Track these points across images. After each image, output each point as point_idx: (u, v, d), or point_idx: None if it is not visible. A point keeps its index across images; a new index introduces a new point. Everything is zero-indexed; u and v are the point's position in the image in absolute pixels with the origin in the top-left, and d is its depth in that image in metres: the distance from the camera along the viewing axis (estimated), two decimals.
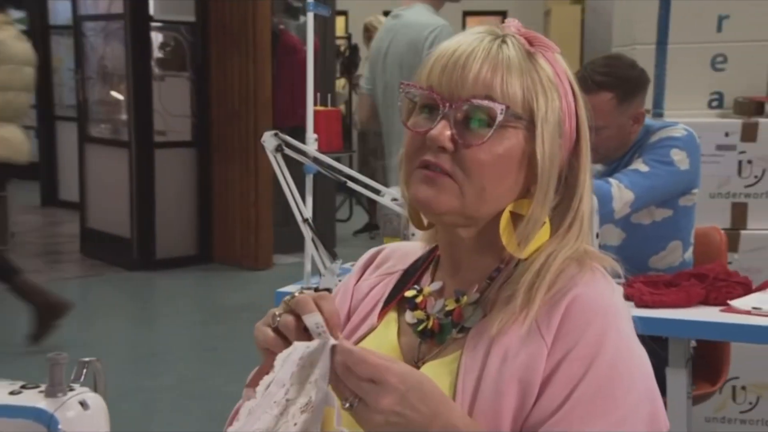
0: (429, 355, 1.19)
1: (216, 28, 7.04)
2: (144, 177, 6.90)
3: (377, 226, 8.27)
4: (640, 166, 2.46)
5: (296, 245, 7.67)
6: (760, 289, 2.23)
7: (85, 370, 0.92)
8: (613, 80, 2.53)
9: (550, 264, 1.12)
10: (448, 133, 1.10)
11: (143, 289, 6.57)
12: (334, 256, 2.34)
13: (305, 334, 1.01)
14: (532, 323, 1.08)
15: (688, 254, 2.59)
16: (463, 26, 11.55)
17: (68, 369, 0.93)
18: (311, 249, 2.33)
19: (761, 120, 3.40)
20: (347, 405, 0.98)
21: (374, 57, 3.77)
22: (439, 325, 1.20)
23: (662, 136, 2.51)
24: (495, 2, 11.23)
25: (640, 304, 2.17)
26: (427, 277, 1.27)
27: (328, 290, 2.33)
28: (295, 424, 0.97)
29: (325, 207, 7.80)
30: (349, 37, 8.36)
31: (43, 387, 0.92)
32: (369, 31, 7.85)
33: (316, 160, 2.29)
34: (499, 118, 1.09)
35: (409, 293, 1.26)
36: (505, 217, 1.13)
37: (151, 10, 6.87)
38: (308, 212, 2.34)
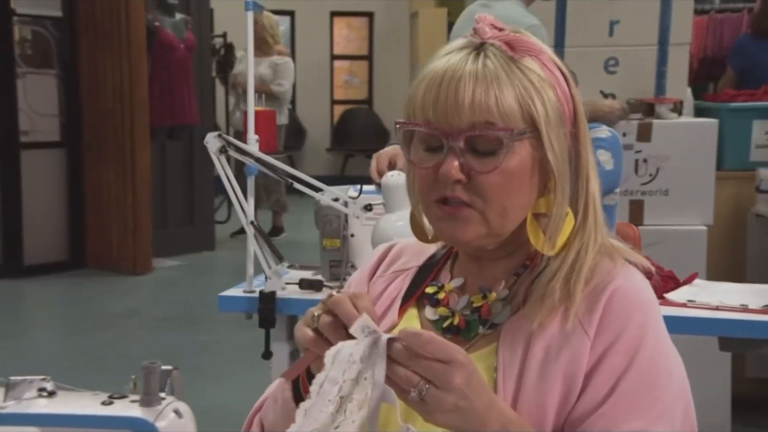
0: None
1: (85, 24, 6.82)
2: (9, 180, 6.60)
3: None
4: None
5: (175, 248, 7.59)
6: (687, 282, 2.36)
7: (169, 379, 0.91)
8: None
9: (583, 258, 1.13)
10: (457, 164, 1.10)
11: (12, 298, 6.29)
12: (280, 258, 2.33)
13: (345, 332, 1.01)
14: (574, 317, 1.10)
15: None
16: (331, 26, 11.60)
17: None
18: (255, 250, 2.31)
19: (655, 121, 3.58)
20: (414, 394, 0.96)
21: None
22: (465, 321, 1.20)
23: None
24: (362, 3, 11.33)
25: None
26: (445, 273, 1.27)
27: (326, 285, 2.32)
28: (353, 422, 0.97)
29: (204, 208, 7.68)
30: (224, 36, 8.24)
31: (133, 397, 0.90)
32: (256, 25, 7.77)
33: (259, 160, 2.27)
34: (506, 142, 1.09)
35: (429, 289, 1.26)
36: (529, 221, 1.15)
37: (13, 3, 6.59)
38: (251, 214, 2.32)
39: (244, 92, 7.73)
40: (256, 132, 2.34)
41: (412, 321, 1.26)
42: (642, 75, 3.69)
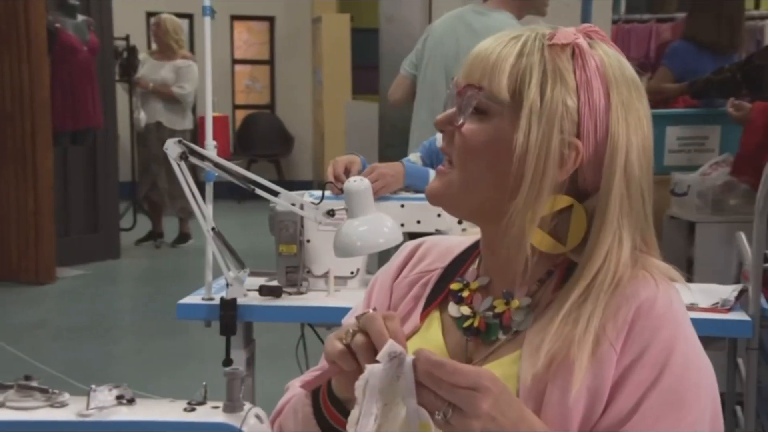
0: (479, 355, 1.20)
1: None
2: None
3: (161, 234, 8.05)
4: None
5: (78, 256, 7.37)
6: None
7: (243, 385, 0.92)
8: None
9: (609, 268, 1.11)
10: (447, 114, 1.17)
11: None
12: (242, 265, 2.32)
13: (375, 354, 1.01)
14: (599, 329, 1.08)
15: None
16: (231, 30, 11.49)
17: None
18: (216, 257, 2.29)
19: None
20: (440, 416, 0.97)
21: (441, 49, 3.61)
22: (486, 324, 1.20)
23: None
24: (263, 6, 11.24)
25: None
26: (473, 271, 1.26)
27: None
28: None
29: (108, 215, 7.50)
30: (127, 38, 8.08)
31: (213, 403, 0.91)
32: (160, 30, 7.65)
33: (219, 166, 2.26)
34: (471, 100, 1.13)
35: (454, 286, 1.26)
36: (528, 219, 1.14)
37: None
38: (211, 221, 2.31)
39: (148, 94, 7.66)
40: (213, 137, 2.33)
41: (433, 323, 1.26)
42: None
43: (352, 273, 2.53)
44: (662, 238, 3.93)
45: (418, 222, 2.46)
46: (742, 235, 2.55)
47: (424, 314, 1.29)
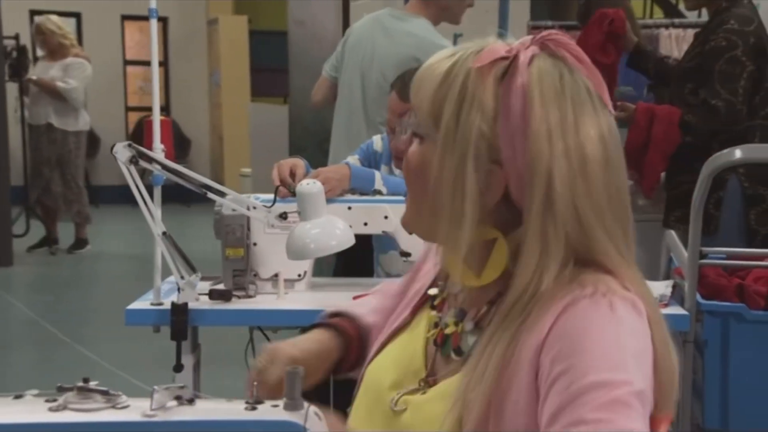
0: (442, 369, 1.20)
1: None
2: None
3: (56, 240, 7.82)
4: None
5: None
6: None
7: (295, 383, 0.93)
8: None
9: (529, 290, 1.09)
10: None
11: None
12: (193, 270, 2.30)
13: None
14: (521, 344, 1.07)
15: None
16: (122, 30, 11.26)
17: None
18: (168, 261, 2.27)
19: None
20: None
21: (359, 51, 3.58)
22: (443, 339, 1.21)
23: None
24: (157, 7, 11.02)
25: None
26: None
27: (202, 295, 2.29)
28: None
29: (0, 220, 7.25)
30: (17, 37, 7.82)
31: (273, 402, 0.92)
32: (43, 34, 7.43)
33: (169, 169, 2.24)
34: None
35: (432, 291, 1.28)
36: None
37: None
38: (161, 225, 2.28)
39: (38, 95, 7.41)
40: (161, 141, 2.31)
41: (421, 323, 1.28)
42: None
43: (299, 276, 2.55)
44: None
45: (365, 224, 2.49)
46: (673, 234, 2.67)
47: (415, 308, 1.31)
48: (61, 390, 0.90)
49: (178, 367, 2.34)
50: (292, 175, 2.52)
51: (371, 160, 2.82)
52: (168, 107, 11.39)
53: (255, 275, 2.51)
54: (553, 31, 1.17)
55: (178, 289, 2.29)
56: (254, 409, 0.91)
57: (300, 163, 2.57)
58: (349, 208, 2.50)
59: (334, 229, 2.28)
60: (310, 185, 2.27)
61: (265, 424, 0.89)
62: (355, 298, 2.44)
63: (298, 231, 2.28)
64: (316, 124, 5.26)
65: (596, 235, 1.09)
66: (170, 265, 2.26)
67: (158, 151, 2.31)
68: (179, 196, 10.49)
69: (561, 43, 1.13)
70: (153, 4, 2.37)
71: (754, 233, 3.21)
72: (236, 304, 2.41)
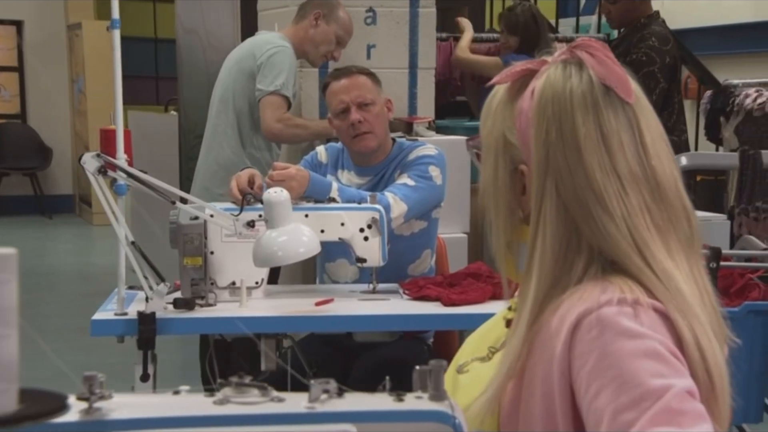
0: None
1: None
2: None
3: None
4: (406, 180, 2.77)
5: None
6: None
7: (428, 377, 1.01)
8: (361, 69, 2.97)
9: (542, 288, 1.20)
10: None
11: None
12: (161, 279, 2.30)
13: None
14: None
15: (433, 260, 2.98)
16: None
17: None
18: (136, 271, 2.26)
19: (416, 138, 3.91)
20: None
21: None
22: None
23: (419, 153, 2.85)
24: (8, 9, 10.51)
25: (449, 303, 2.50)
26: None
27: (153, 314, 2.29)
28: None
29: None
30: None
31: (417, 394, 0.99)
32: None
33: (138, 179, 2.23)
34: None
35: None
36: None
37: None
38: (129, 235, 2.27)
39: None
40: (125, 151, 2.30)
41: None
42: (396, 96, 4.01)
43: (256, 283, 2.58)
44: (484, 242, 4.26)
45: (322, 231, 2.55)
46: None
47: (513, 290, 1.36)
48: (222, 385, 0.94)
49: (145, 377, 2.33)
50: (251, 184, 2.55)
51: (318, 172, 2.88)
52: (24, 115, 10.94)
53: (212, 283, 2.53)
54: (584, 38, 1.29)
55: (146, 299, 2.29)
56: (401, 400, 0.97)
57: (256, 172, 2.61)
58: (306, 215, 2.55)
59: (301, 236, 2.34)
60: (277, 193, 2.32)
61: (419, 414, 0.96)
62: (317, 304, 2.53)
63: (266, 239, 2.32)
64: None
65: (611, 233, 1.15)
66: (138, 275, 2.26)
67: (122, 161, 2.30)
68: (40, 208, 10.18)
69: (582, 45, 1.21)
70: (116, 15, 2.35)
71: None
72: (200, 313, 2.42)
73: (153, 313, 2.29)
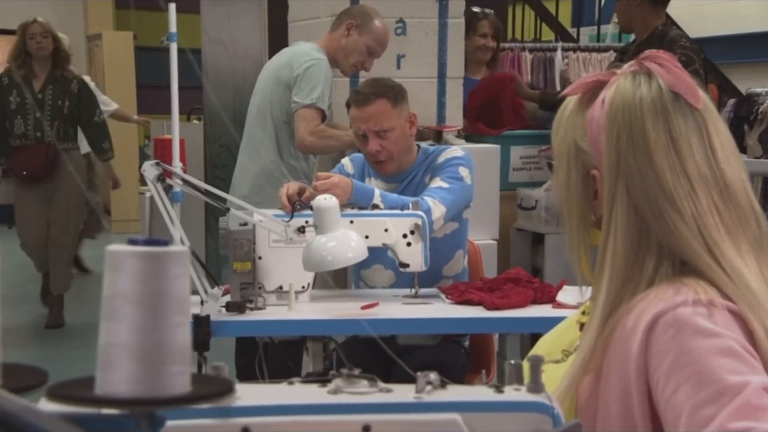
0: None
1: None
2: None
3: None
4: (440, 183, 2.84)
5: None
6: (559, 288, 2.73)
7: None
8: (382, 89, 2.93)
9: (612, 289, 1.26)
10: None
11: None
12: (215, 283, 2.37)
13: None
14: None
15: (465, 261, 3.05)
16: None
17: None
18: (191, 274, 2.33)
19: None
20: None
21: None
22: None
23: (447, 156, 2.92)
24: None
25: (492, 307, 2.57)
26: None
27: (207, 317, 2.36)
28: None
29: None
30: None
31: (515, 386, 1.05)
32: None
33: (198, 187, 2.31)
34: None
35: None
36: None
37: None
38: (186, 240, 2.34)
39: None
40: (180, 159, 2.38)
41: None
42: (425, 105, 4.09)
43: (303, 287, 2.65)
44: (510, 249, 4.33)
45: (367, 237, 2.61)
46: None
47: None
48: (334, 377, 1.01)
49: None
50: (301, 192, 2.62)
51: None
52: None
53: (260, 287, 2.60)
54: (651, 51, 1.34)
55: (201, 302, 2.36)
56: (501, 392, 1.04)
57: (307, 186, 2.68)
58: (351, 221, 2.61)
59: (349, 241, 2.41)
60: (327, 200, 2.39)
61: (521, 405, 1.02)
62: (363, 308, 2.59)
63: (316, 244, 2.39)
64: (233, 142, 5.32)
65: (681, 232, 1.20)
66: (194, 279, 2.33)
67: (177, 169, 2.37)
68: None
69: (651, 57, 1.28)
70: (173, 28, 2.43)
71: None
72: (250, 316, 2.49)
73: (208, 316, 2.36)
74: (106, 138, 5.75)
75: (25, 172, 5.41)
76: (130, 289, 0.72)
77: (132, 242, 0.74)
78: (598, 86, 1.31)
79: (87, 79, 6.70)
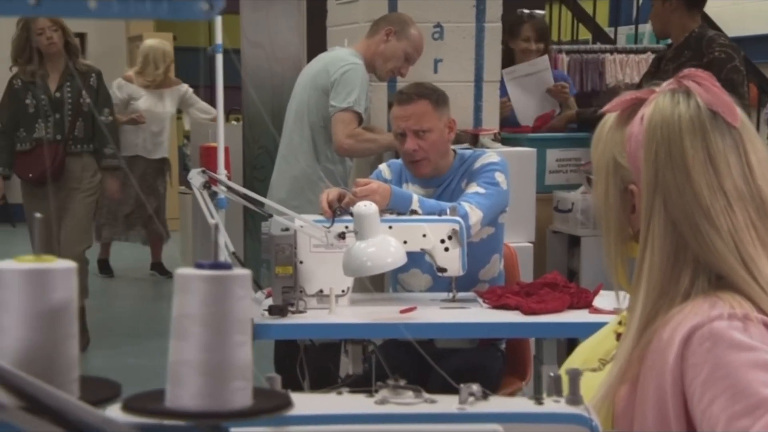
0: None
1: None
2: None
3: None
4: (477, 189, 2.89)
5: None
6: (596, 293, 2.76)
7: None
8: (425, 90, 3.01)
9: (649, 303, 1.30)
10: None
11: None
12: (258, 287, 2.43)
13: None
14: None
15: (501, 264, 3.09)
16: None
17: None
18: None
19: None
20: None
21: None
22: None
23: (484, 162, 2.97)
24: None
25: (529, 312, 2.61)
26: None
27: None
28: None
29: None
30: None
31: (554, 398, 1.09)
32: None
33: (242, 195, 2.37)
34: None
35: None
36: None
37: None
38: (231, 245, 2.41)
39: None
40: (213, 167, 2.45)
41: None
42: (462, 108, 4.13)
43: (343, 291, 2.70)
44: (546, 251, 4.36)
45: (405, 242, 2.66)
46: None
47: None
48: (380, 387, 1.06)
49: None
50: (341, 198, 2.68)
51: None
52: None
53: (301, 291, 2.66)
54: (690, 69, 1.37)
55: None
56: (540, 403, 1.08)
57: (347, 192, 2.74)
58: (390, 227, 2.66)
59: (388, 247, 2.47)
60: (366, 207, 2.45)
61: (561, 416, 1.06)
62: (402, 311, 2.64)
63: (356, 250, 2.45)
64: (272, 143, 5.39)
65: (717, 247, 1.23)
66: None
67: (223, 176, 2.44)
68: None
69: (690, 76, 1.31)
70: (219, 40, 2.49)
71: None
72: (291, 319, 2.55)
73: (251, 319, 2.41)
74: (112, 141, 5.23)
75: (30, 174, 4.91)
76: (197, 311, 0.77)
77: (199, 266, 0.79)
78: (637, 103, 1.34)
79: (184, 88, 6.83)
